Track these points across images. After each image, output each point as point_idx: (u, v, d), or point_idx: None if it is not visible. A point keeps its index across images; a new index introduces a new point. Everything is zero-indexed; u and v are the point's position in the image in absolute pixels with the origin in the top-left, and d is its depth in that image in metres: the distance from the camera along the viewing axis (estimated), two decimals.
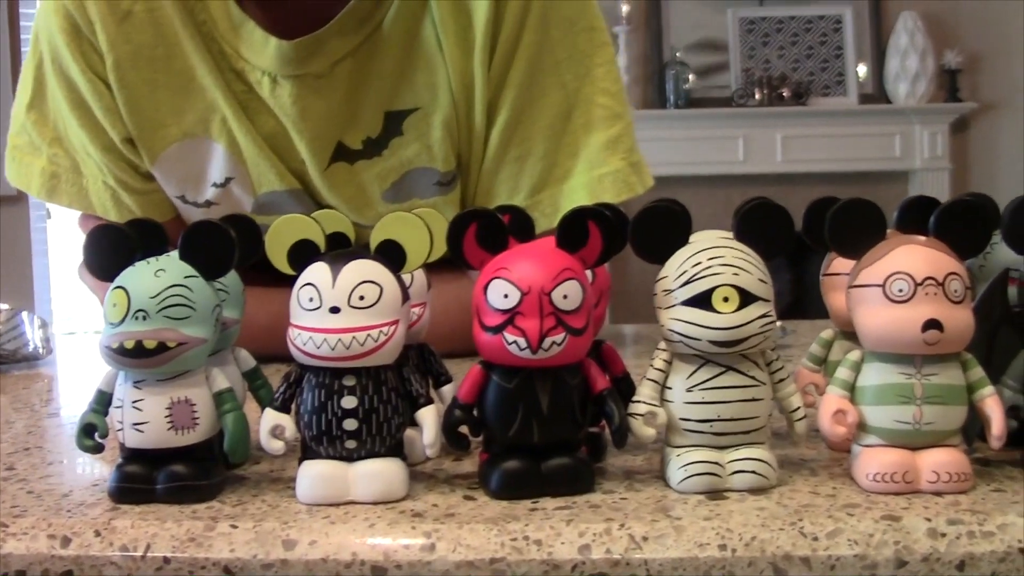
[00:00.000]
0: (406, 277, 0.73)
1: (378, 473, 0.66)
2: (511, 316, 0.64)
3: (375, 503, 0.66)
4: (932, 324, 0.63)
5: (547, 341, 0.64)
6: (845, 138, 5.10)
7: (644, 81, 5.29)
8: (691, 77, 5.20)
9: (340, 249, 0.69)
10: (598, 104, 1.24)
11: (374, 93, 1.20)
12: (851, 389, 0.67)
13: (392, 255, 0.68)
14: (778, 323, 1.07)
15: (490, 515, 0.63)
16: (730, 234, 0.68)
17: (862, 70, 5.22)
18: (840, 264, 0.73)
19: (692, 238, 0.68)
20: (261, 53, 1.17)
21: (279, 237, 0.68)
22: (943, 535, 0.60)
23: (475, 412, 0.67)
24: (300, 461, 0.68)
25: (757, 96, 5.13)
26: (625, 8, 5.14)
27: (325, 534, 0.62)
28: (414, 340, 0.76)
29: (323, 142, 1.20)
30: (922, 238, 0.67)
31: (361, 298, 0.65)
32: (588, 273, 0.72)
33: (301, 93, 1.17)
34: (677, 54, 5.20)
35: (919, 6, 5.17)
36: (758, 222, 0.67)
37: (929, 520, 0.61)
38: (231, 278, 0.75)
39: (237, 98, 1.19)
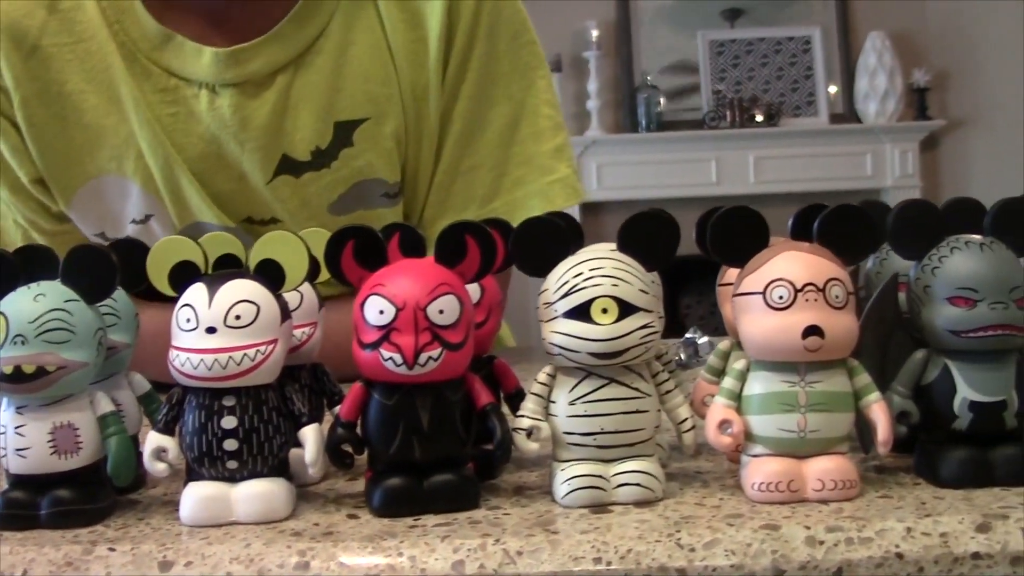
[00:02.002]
0: (294, 296, 0.73)
1: (260, 494, 0.66)
2: (387, 332, 0.64)
3: (257, 523, 0.65)
4: (812, 330, 0.63)
5: (423, 356, 0.63)
6: (817, 158, 5.11)
7: (615, 105, 5.30)
8: (662, 100, 5.22)
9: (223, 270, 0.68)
10: (543, 115, 1.25)
11: (320, 102, 1.17)
12: (738, 398, 0.66)
13: (271, 274, 0.67)
14: (704, 338, 1.07)
15: (369, 533, 0.62)
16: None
17: (832, 90, 5.23)
18: (734, 274, 0.72)
19: (581, 252, 0.67)
20: (195, 64, 1.14)
21: (160, 259, 0.67)
22: (821, 543, 0.59)
23: (358, 430, 0.66)
24: (185, 483, 0.67)
25: (728, 118, 5.14)
26: (595, 33, 5.15)
27: (201, 555, 0.61)
28: (307, 359, 0.75)
29: (266, 153, 1.17)
30: (806, 245, 0.66)
31: (237, 318, 0.65)
32: (476, 288, 0.71)
33: (241, 102, 1.14)
34: (648, 78, 5.21)
35: (887, 26, 5.20)
36: (641, 233, 0.67)
37: (808, 528, 0.60)
38: (123, 302, 0.74)
39: (162, 123, 1.15)
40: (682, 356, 1.10)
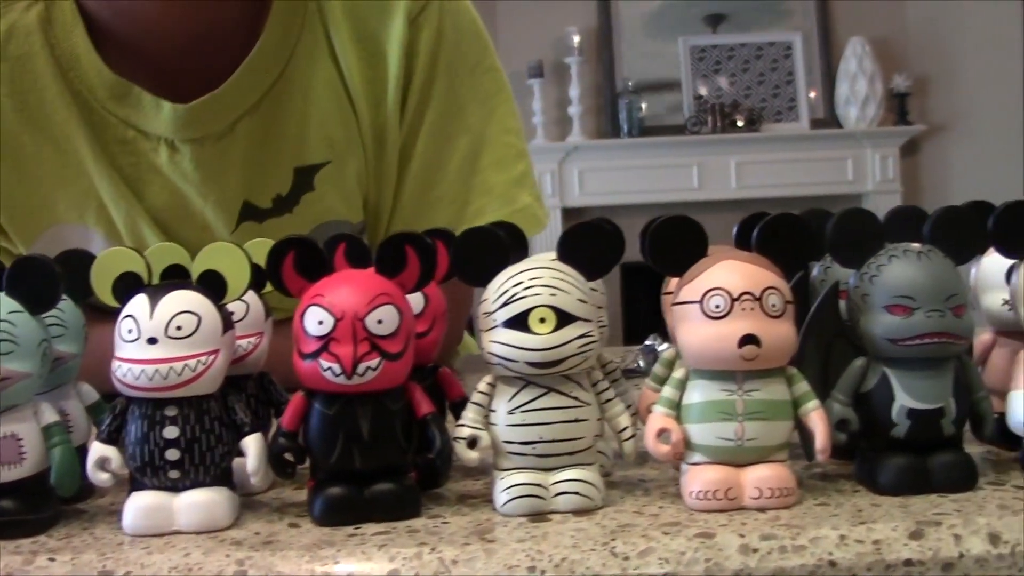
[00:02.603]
0: (240, 307, 0.73)
1: (201, 503, 0.66)
2: (326, 342, 0.64)
3: (199, 532, 0.65)
4: (749, 339, 0.63)
5: (361, 366, 0.63)
6: (798, 163, 5.13)
7: (597, 111, 5.31)
8: (644, 106, 5.23)
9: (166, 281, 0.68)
10: (504, 143, 1.23)
11: (280, 149, 1.16)
12: (677, 407, 0.66)
13: (213, 285, 0.67)
14: (664, 345, 1.08)
15: (308, 542, 0.62)
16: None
17: (812, 95, 5.25)
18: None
19: (521, 262, 0.68)
20: (154, 119, 1.11)
21: (103, 270, 0.68)
22: (755, 551, 0.60)
23: (300, 439, 0.67)
24: (128, 493, 0.67)
25: (710, 123, 5.15)
26: (576, 39, 5.17)
27: (140, 564, 0.61)
28: (253, 369, 0.75)
29: (229, 204, 1.16)
30: (745, 254, 0.66)
31: (178, 328, 0.65)
32: (419, 298, 0.71)
33: (203, 157, 1.12)
34: (629, 83, 5.23)
35: (867, 31, 5.21)
36: (581, 243, 0.67)
37: (743, 536, 0.60)
38: (70, 313, 0.74)
39: (122, 173, 1.13)
40: (641, 363, 1.10)
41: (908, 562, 0.60)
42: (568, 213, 5.14)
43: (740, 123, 5.16)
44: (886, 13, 5.30)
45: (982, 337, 0.80)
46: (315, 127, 1.16)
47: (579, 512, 0.66)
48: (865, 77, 5.13)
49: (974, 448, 0.75)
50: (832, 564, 0.59)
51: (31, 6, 1.11)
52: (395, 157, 1.19)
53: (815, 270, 0.79)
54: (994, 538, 0.61)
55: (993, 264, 0.77)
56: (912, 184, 5.28)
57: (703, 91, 5.25)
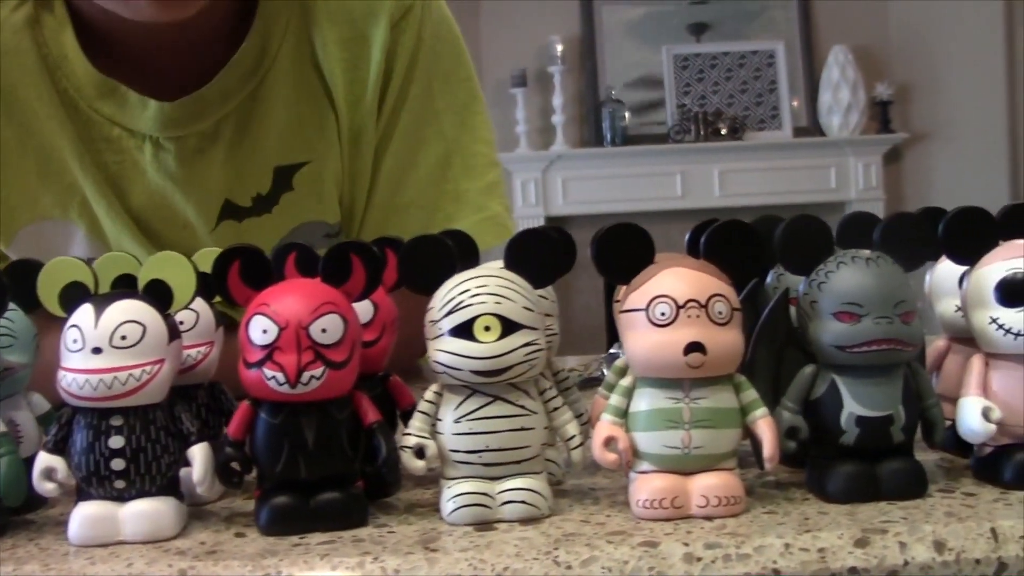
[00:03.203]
0: (190, 316, 0.73)
1: (147, 513, 0.66)
2: (270, 351, 0.64)
3: (145, 542, 0.65)
4: (694, 347, 0.63)
5: (305, 375, 0.63)
6: (781, 171, 5.14)
7: (580, 120, 5.31)
8: (627, 115, 5.23)
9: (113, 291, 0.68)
10: (476, 152, 1.25)
11: (262, 148, 1.18)
12: (624, 415, 0.66)
13: (158, 294, 0.67)
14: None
15: (252, 551, 0.62)
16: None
17: (795, 104, 5.26)
18: None
19: (469, 271, 0.67)
20: (139, 117, 1.13)
21: (50, 280, 0.67)
22: (699, 559, 0.59)
23: (246, 448, 0.66)
24: (75, 503, 0.67)
25: (693, 132, 5.16)
26: (560, 48, 5.17)
27: (83, 575, 0.61)
28: (204, 378, 0.75)
29: (210, 202, 1.17)
30: (693, 261, 0.66)
31: (123, 338, 0.65)
32: (369, 306, 0.71)
33: (187, 154, 1.14)
34: (613, 92, 5.23)
35: (849, 40, 5.22)
36: (528, 251, 0.67)
37: (687, 545, 0.60)
38: (20, 323, 0.73)
39: (107, 171, 1.15)
40: (605, 371, 1.10)
41: (853, 570, 0.59)
42: (552, 222, 5.12)
43: (724, 131, 5.17)
44: (868, 22, 5.31)
45: (936, 344, 0.80)
46: (296, 127, 1.18)
47: (526, 521, 0.66)
48: (848, 85, 5.14)
49: (928, 455, 0.75)
50: (776, 572, 0.59)
51: (19, 7, 1.13)
52: (370, 158, 1.21)
53: (769, 277, 0.78)
54: (939, 545, 0.60)
55: (947, 271, 0.77)
56: (895, 192, 5.29)
57: (687, 100, 5.25)
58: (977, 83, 5.11)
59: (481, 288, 0.65)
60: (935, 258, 0.74)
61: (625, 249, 0.67)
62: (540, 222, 5.04)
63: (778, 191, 5.08)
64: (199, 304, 0.74)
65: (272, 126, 1.17)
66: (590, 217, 4.95)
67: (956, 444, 0.73)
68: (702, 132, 5.17)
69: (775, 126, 5.26)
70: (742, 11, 5.37)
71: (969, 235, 0.70)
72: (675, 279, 0.65)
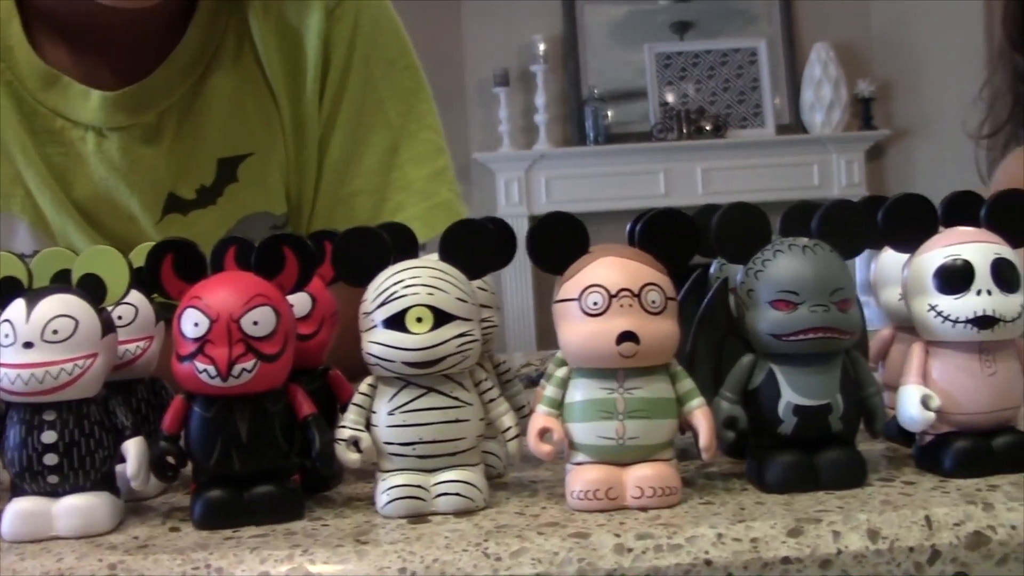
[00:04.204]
0: (128, 311, 0.72)
1: (80, 508, 0.65)
2: (201, 344, 0.63)
3: (78, 537, 0.64)
4: (627, 336, 0.63)
5: (236, 368, 0.63)
6: (764, 168, 5.13)
7: (563, 119, 5.31)
8: (610, 113, 5.23)
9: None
10: (422, 139, 1.25)
11: (206, 140, 1.18)
12: (560, 406, 0.66)
13: (92, 289, 0.66)
14: None
15: (183, 545, 0.62)
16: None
17: (777, 101, 5.26)
18: None
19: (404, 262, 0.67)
20: (82, 108, 1.13)
21: None
22: (630, 550, 0.59)
23: (181, 442, 0.66)
24: (9, 498, 0.66)
25: (676, 130, 5.16)
26: (542, 47, 5.16)
27: (12, 571, 0.61)
28: (143, 373, 0.75)
29: (154, 194, 1.17)
30: (628, 250, 0.66)
31: (55, 332, 0.64)
32: (307, 299, 0.71)
33: (130, 145, 1.14)
34: (595, 91, 5.22)
35: (831, 37, 5.22)
36: (462, 242, 0.67)
37: (618, 536, 0.60)
38: None
39: (51, 162, 1.14)
40: None
41: (786, 560, 0.59)
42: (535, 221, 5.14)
43: (708, 128, 5.17)
44: (850, 19, 5.31)
45: (881, 333, 0.80)
46: (239, 119, 1.18)
47: (460, 513, 0.65)
48: (830, 82, 5.14)
49: (874, 445, 0.75)
50: (708, 563, 0.59)
51: None
52: (315, 149, 1.21)
53: (713, 267, 0.78)
54: (873, 534, 0.60)
55: (891, 259, 0.76)
56: (877, 188, 5.28)
57: (669, 98, 5.25)
58: (958, 80, 5.08)
59: (414, 279, 0.65)
60: (876, 246, 0.73)
61: (560, 240, 0.66)
62: (523, 221, 5.03)
63: (761, 188, 5.07)
64: (138, 299, 0.73)
65: (215, 118, 1.17)
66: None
67: (901, 433, 0.73)
68: (685, 130, 5.16)
69: (758, 124, 5.26)
70: (725, 9, 5.37)
71: (909, 222, 0.70)
72: (608, 269, 0.64)
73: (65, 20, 1.12)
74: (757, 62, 5.29)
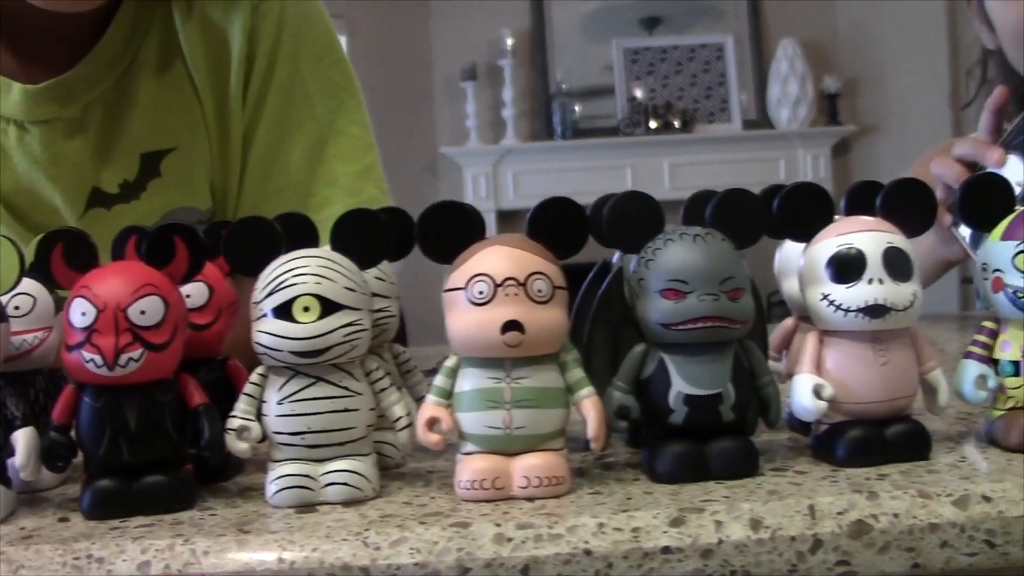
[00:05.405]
0: (26, 301, 0.72)
1: None
2: (88, 334, 0.63)
3: None
4: (511, 325, 0.63)
5: (123, 357, 0.63)
6: (731, 163, 5.15)
7: (531, 114, 5.32)
8: (578, 108, 5.23)
9: None
10: (351, 135, 1.24)
11: (128, 135, 1.17)
12: (449, 396, 0.66)
13: None
14: None
15: (68, 536, 0.62)
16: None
17: (744, 97, 5.27)
18: None
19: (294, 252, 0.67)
20: (3, 100, 1.11)
21: None
22: (509, 540, 0.59)
23: (72, 432, 0.66)
24: None
25: (643, 125, 5.17)
26: (510, 41, 5.16)
27: None
28: (41, 363, 0.74)
29: (77, 189, 1.16)
30: (517, 239, 0.66)
31: None
32: (204, 289, 0.71)
33: (52, 139, 1.13)
34: (563, 85, 5.23)
35: (798, 34, 5.24)
36: (351, 232, 0.67)
37: (499, 525, 0.60)
38: None
39: None
40: None
41: (666, 549, 0.59)
42: (503, 216, 5.15)
43: (677, 124, 5.18)
44: (816, 16, 5.33)
45: (784, 323, 0.80)
46: (162, 114, 1.17)
47: (349, 503, 0.65)
48: (796, 78, 5.16)
49: (777, 434, 0.76)
50: (588, 553, 0.59)
51: None
52: (239, 143, 1.20)
53: (615, 257, 0.78)
54: (756, 523, 0.60)
55: (793, 250, 0.77)
56: (843, 183, 5.28)
57: (637, 93, 5.25)
58: (922, 77, 5.14)
59: (302, 268, 0.64)
60: (774, 235, 0.73)
61: (449, 228, 0.66)
62: (491, 216, 5.05)
63: (728, 183, 4.92)
64: (37, 289, 0.73)
65: (138, 113, 1.16)
66: None
67: (803, 423, 0.73)
68: (652, 125, 5.17)
69: (725, 119, 5.27)
70: (693, 5, 5.39)
71: (805, 212, 0.70)
72: (494, 257, 0.64)
73: None
74: (724, 58, 5.31)
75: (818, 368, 0.69)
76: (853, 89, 5.33)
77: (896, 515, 0.61)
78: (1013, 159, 0.84)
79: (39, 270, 0.66)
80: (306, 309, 0.64)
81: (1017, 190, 0.82)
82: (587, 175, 5.11)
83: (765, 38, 5.33)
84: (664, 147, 5.18)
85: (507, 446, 0.65)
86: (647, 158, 5.17)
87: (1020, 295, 0.69)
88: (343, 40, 1.25)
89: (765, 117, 5.29)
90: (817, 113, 5.23)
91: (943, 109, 4.97)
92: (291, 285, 0.64)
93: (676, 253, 0.66)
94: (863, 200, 0.72)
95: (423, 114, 5.27)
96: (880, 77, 5.29)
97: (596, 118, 5.27)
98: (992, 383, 0.71)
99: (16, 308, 0.71)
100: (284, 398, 0.65)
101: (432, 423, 0.65)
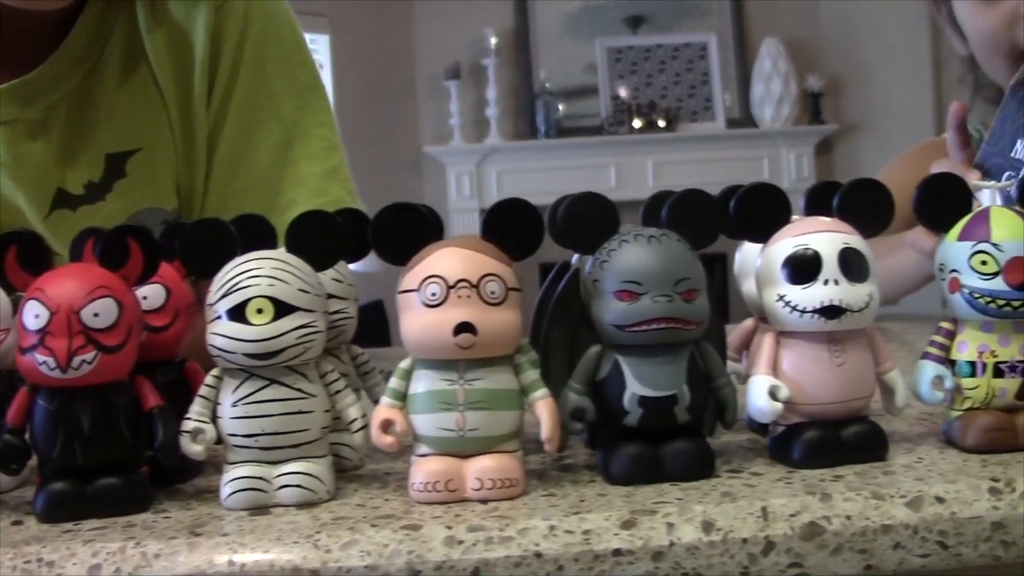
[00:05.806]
0: None
1: None
2: (42, 336, 0.63)
3: None
4: (463, 327, 0.63)
5: (76, 360, 0.63)
6: (714, 162, 5.15)
7: (515, 113, 5.32)
8: (561, 107, 5.24)
9: None
10: (317, 135, 1.24)
11: (93, 136, 1.16)
12: (403, 398, 0.66)
13: None
14: None
15: (19, 538, 0.62)
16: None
17: (727, 96, 5.28)
18: None
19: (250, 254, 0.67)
20: None
21: None
22: (460, 542, 0.59)
23: (26, 435, 0.66)
24: None
25: (627, 124, 5.17)
26: (494, 40, 5.16)
27: None
28: (1, 366, 0.74)
29: (42, 190, 1.15)
30: (472, 240, 0.66)
31: None
32: (161, 291, 0.71)
33: (15, 139, 1.12)
34: (547, 84, 5.23)
35: (781, 32, 5.25)
36: (306, 234, 0.67)
37: (450, 528, 0.60)
38: None
39: None
40: None
41: (617, 552, 0.59)
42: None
43: (661, 123, 5.18)
44: (800, 15, 5.34)
45: (743, 324, 0.80)
46: (126, 114, 1.16)
47: (302, 505, 0.65)
48: (779, 77, 5.17)
49: (736, 436, 0.76)
50: (538, 556, 0.59)
51: None
52: (204, 144, 1.19)
53: (574, 258, 0.78)
54: (708, 525, 0.60)
55: (752, 250, 0.77)
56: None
57: (621, 92, 5.26)
58: (905, 75, 5.15)
59: (256, 270, 0.64)
60: (731, 236, 0.73)
61: (403, 230, 0.66)
62: (475, 215, 5.04)
63: (712, 182, 4.95)
64: None
65: (102, 114, 1.16)
66: None
67: (761, 424, 0.73)
68: (636, 124, 5.17)
69: (708, 118, 5.28)
70: (676, 5, 5.39)
71: (762, 212, 0.71)
72: (447, 259, 0.64)
73: None
74: (707, 56, 5.32)
75: (774, 369, 0.70)
76: (836, 88, 5.34)
77: (849, 517, 0.61)
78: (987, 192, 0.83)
79: None
80: (259, 311, 0.63)
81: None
82: (571, 174, 5.11)
83: (748, 37, 5.33)
84: (648, 146, 5.19)
85: (460, 448, 0.65)
86: (631, 157, 5.17)
87: (976, 296, 0.69)
88: (326, 39, 1.25)
89: (748, 116, 5.30)
90: (800, 112, 5.25)
91: (926, 108, 4.99)
92: (245, 287, 0.64)
93: (630, 254, 0.66)
94: (823, 201, 0.73)
95: (406, 113, 5.27)
96: (863, 76, 5.30)
97: (580, 117, 5.28)
98: (949, 384, 0.71)
99: None
100: (238, 400, 0.65)
101: (386, 425, 0.65)
